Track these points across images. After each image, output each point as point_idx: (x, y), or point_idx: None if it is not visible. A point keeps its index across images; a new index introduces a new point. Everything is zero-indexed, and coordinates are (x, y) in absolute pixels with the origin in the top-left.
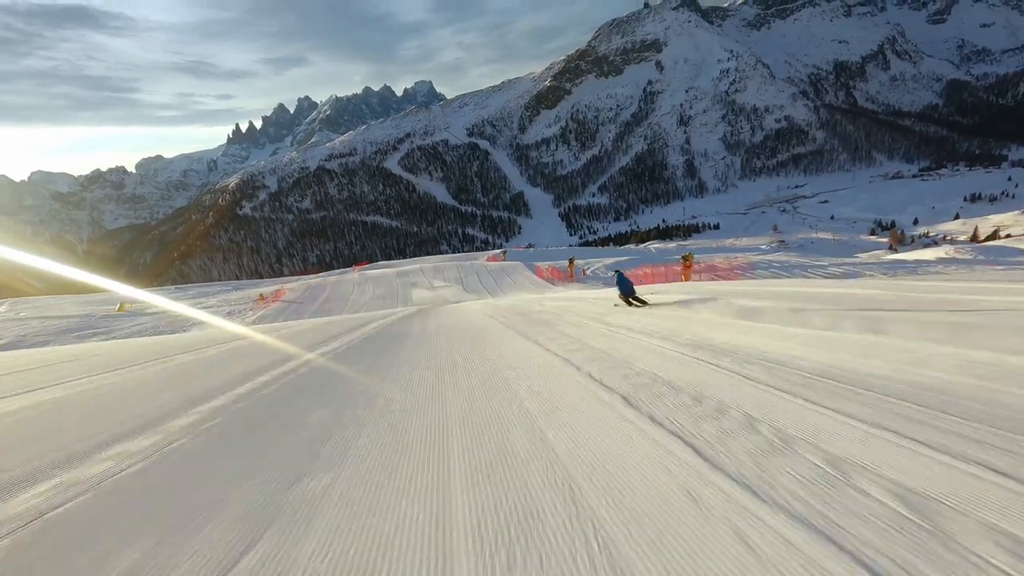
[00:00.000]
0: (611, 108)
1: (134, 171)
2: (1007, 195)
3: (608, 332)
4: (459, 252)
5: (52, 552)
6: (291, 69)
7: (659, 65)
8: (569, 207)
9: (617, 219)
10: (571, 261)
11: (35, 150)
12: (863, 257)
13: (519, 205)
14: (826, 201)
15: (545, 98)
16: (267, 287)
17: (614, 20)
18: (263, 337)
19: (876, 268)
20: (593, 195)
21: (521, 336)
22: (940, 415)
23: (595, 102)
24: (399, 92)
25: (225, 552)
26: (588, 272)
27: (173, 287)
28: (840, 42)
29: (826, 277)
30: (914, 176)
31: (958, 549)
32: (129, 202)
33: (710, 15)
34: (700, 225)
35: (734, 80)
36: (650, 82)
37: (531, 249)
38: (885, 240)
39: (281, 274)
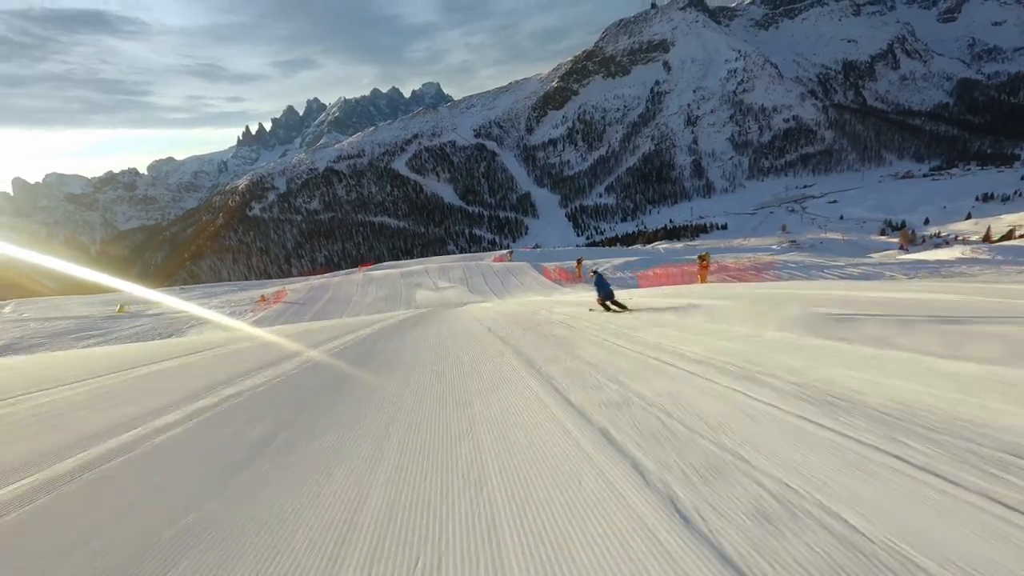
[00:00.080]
0: (618, 108)
1: (146, 173)
2: (1020, 194)
3: (650, 359)
4: (466, 252)
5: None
6: (301, 72)
7: (666, 65)
8: (576, 207)
9: (624, 219)
10: (579, 261)
11: (50, 152)
12: (876, 257)
13: (526, 206)
14: (835, 201)
15: (552, 99)
16: (270, 288)
17: (621, 20)
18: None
19: (896, 269)
20: (600, 195)
21: (525, 365)
22: None
23: (602, 103)
24: (407, 94)
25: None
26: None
27: (179, 288)
28: (849, 41)
29: (843, 278)
30: (924, 176)
31: None
32: (141, 203)
33: (718, 15)
34: (708, 225)
35: (742, 80)
36: (657, 82)
37: (538, 250)
38: (896, 240)
39: (290, 274)
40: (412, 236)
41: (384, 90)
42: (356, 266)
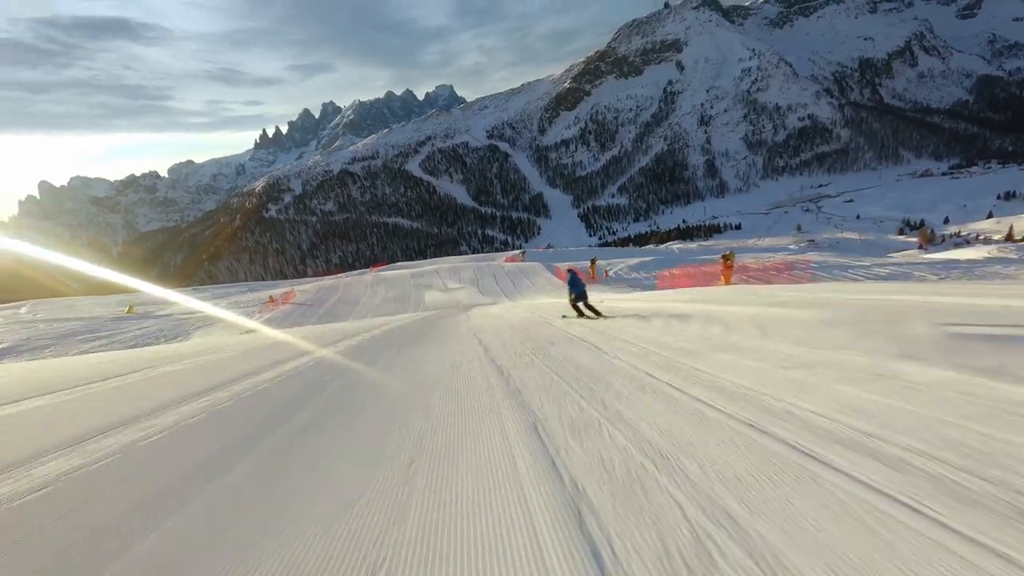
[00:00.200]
0: (631, 109)
1: (166, 175)
2: None
3: (751, 431)
4: (479, 253)
5: None
6: (317, 75)
7: (679, 65)
8: (588, 208)
9: (637, 220)
10: (593, 261)
11: (75, 157)
12: (897, 257)
13: (538, 206)
14: (851, 200)
15: (564, 100)
16: (279, 289)
17: (634, 21)
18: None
19: (926, 268)
20: (612, 196)
21: (526, 444)
22: None
23: (615, 103)
24: (421, 96)
25: None
26: (611, 273)
27: (191, 290)
28: (865, 39)
29: (871, 278)
30: (944, 174)
31: None
32: (161, 205)
33: (731, 14)
34: (721, 225)
35: (756, 79)
36: (670, 82)
37: (550, 250)
38: (914, 240)
39: (305, 275)
40: (425, 237)
41: (398, 93)
42: (369, 267)
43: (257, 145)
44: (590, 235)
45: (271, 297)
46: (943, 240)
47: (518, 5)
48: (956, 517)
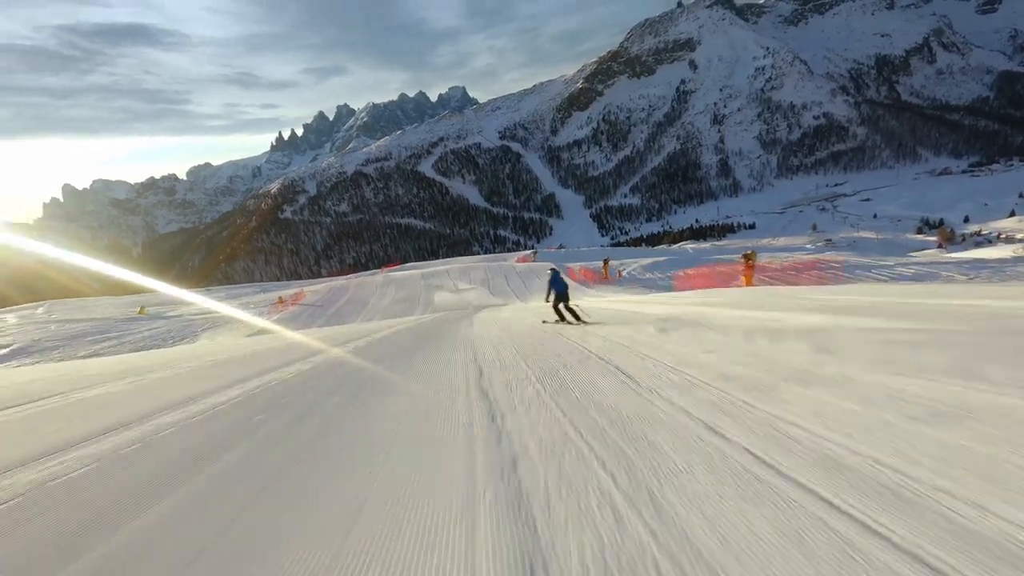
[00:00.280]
0: (643, 108)
1: (184, 178)
2: None
3: None
4: (491, 253)
5: None
6: (331, 78)
7: (692, 64)
8: (600, 208)
9: (649, 220)
10: (606, 262)
11: (96, 160)
12: (918, 256)
13: (550, 207)
14: (868, 199)
15: (577, 100)
16: (291, 289)
17: (646, 20)
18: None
19: (954, 268)
20: (625, 196)
21: None
22: None
23: (627, 103)
24: (433, 98)
25: None
26: (624, 273)
27: (204, 290)
28: (882, 36)
29: (895, 279)
30: (963, 172)
31: None
32: (180, 207)
33: (745, 12)
34: (735, 225)
35: (770, 77)
36: (683, 81)
37: (562, 250)
38: (933, 239)
39: (319, 275)
40: (438, 237)
41: (411, 95)
42: (381, 267)
43: (273, 147)
44: (602, 235)
45: (280, 298)
46: (963, 239)
47: (527, 6)
48: None
